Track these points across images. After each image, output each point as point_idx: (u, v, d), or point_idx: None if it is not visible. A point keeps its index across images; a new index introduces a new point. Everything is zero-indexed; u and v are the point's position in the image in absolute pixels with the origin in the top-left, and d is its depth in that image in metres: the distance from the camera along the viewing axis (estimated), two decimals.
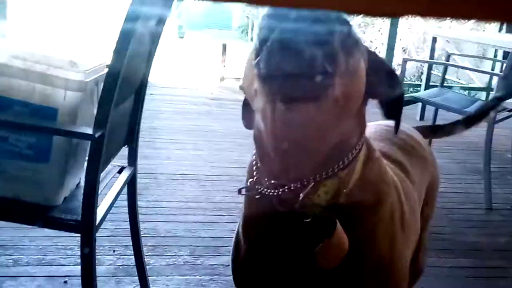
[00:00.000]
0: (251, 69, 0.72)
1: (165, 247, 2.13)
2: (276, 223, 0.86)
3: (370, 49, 0.83)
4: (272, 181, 0.83)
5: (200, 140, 3.58)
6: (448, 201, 2.82)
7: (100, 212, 1.31)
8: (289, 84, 0.67)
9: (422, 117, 4.53)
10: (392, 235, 0.91)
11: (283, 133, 0.74)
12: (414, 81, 7.64)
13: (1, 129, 1.23)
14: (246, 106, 0.90)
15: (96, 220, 1.23)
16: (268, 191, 0.83)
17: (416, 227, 1.13)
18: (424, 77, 4.47)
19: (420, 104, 4.44)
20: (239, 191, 0.89)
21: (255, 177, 0.87)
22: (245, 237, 0.95)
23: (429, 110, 4.06)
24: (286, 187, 0.81)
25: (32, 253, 1.99)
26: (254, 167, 0.88)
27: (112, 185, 1.52)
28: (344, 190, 0.82)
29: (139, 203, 2.44)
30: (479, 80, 6.00)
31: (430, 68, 4.27)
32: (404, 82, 6.65)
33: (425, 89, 4.12)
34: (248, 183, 0.88)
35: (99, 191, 1.42)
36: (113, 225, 2.21)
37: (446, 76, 8.22)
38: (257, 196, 0.86)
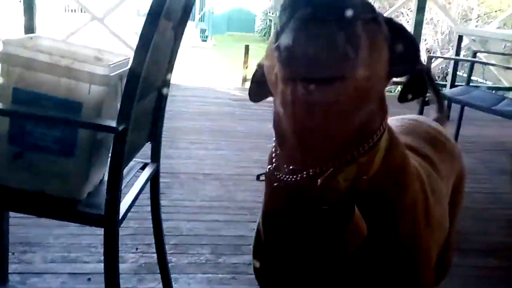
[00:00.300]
0: (272, 52, 0.71)
1: (187, 245, 2.13)
2: (295, 210, 0.85)
3: (389, 19, 0.80)
4: (291, 167, 0.82)
5: (222, 140, 3.59)
6: (474, 201, 2.77)
7: (123, 207, 1.31)
8: (310, 69, 0.66)
9: (448, 117, 4.45)
10: (415, 226, 0.89)
11: (302, 118, 0.73)
12: (440, 82, 7.54)
13: (27, 123, 1.24)
14: (256, 81, 0.91)
15: (119, 214, 1.23)
16: (287, 177, 0.82)
17: (444, 222, 1.11)
18: (449, 77, 4.40)
19: (445, 103, 4.37)
20: (258, 177, 0.89)
21: (274, 164, 0.86)
22: (265, 226, 0.94)
23: (455, 110, 3.99)
24: (304, 172, 0.80)
25: (57, 250, 2.01)
26: (274, 154, 0.87)
27: (135, 181, 1.53)
28: (364, 177, 0.80)
29: (162, 202, 2.44)
30: (506, 80, 5.88)
31: (455, 67, 4.20)
32: None
33: (450, 88, 4.06)
34: (267, 170, 0.87)
35: (122, 187, 1.43)
36: (136, 223, 2.22)
37: (473, 77, 8.08)
38: (275, 184, 0.85)
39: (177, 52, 1.50)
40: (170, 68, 1.52)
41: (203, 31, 19.31)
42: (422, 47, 10.99)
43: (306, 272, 0.89)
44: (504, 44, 6.95)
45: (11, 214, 1.91)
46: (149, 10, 1.09)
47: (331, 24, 0.63)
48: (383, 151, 0.83)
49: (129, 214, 2.26)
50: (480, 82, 7.97)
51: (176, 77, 6.72)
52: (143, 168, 1.59)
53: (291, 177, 0.82)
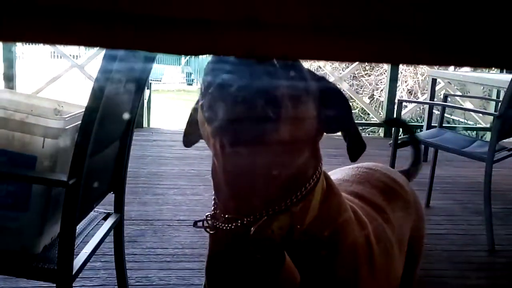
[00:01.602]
0: (200, 110, 0.74)
1: None
2: (233, 259, 0.87)
3: (323, 78, 0.83)
4: (226, 216, 0.83)
5: (200, 185, 3.57)
6: (450, 243, 2.76)
7: (80, 259, 1.30)
8: (231, 128, 0.69)
9: (425, 159, 4.50)
10: (355, 275, 0.89)
11: (232, 170, 0.77)
12: (420, 123, 7.64)
13: None
14: (190, 125, 0.92)
15: (73, 268, 1.21)
16: (222, 225, 0.84)
17: (393, 273, 1.10)
18: (425, 119, 4.47)
19: (422, 146, 4.42)
20: (195, 224, 0.89)
21: (212, 212, 0.88)
22: (207, 273, 0.95)
23: (432, 151, 4.03)
24: (238, 221, 0.81)
25: None
26: (213, 202, 0.89)
27: (97, 232, 1.51)
28: (299, 226, 0.82)
29: (133, 250, 2.43)
30: (483, 121, 5.98)
31: (431, 110, 4.27)
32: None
33: (426, 130, 4.12)
34: (204, 217, 0.88)
35: (82, 238, 1.41)
36: (105, 273, 2.18)
37: (454, 117, 8.17)
38: (211, 232, 0.87)
39: (138, 103, 1.52)
40: (132, 117, 1.53)
41: (189, 74, 19.59)
42: (403, 88, 11.21)
43: None
44: (483, 87, 7.10)
45: None
46: (101, 62, 1.11)
47: (250, 90, 0.66)
48: (318, 200, 0.84)
49: (99, 263, 2.24)
50: (462, 122, 8.09)
51: (158, 121, 6.70)
52: (105, 218, 1.58)
53: (226, 225, 0.84)
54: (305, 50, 0.31)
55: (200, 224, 0.88)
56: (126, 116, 1.45)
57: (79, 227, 1.42)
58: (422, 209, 1.39)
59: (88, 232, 1.47)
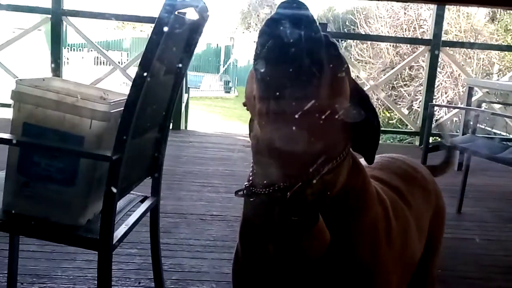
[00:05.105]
0: (251, 76, 0.84)
1: (188, 281, 2.20)
2: (268, 222, 0.95)
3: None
4: (265, 182, 0.92)
5: (233, 184, 3.68)
6: (478, 247, 2.77)
7: (120, 232, 1.42)
8: (280, 88, 0.79)
9: (460, 166, 4.47)
10: (374, 246, 0.97)
11: (275, 131, 0.85)
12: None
13: (34, 154, 1.38)
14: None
15: (113, 239, 1.33)
16: (261, 190, 0.93)
17: (410, 252, 1.17)
18: (461, 126, 4.46)
19: (457, 153, 4.40)
20: (236, 193, 0.99)
21: (250, 181, 0.97)
22: (242, 238, 1.03)
23: (465, 158, 4.01)
24: (276, 185, 0.90)
25: (64, 282, 2.10)
26: (251, 173, 0.98)
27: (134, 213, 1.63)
28: (329, 193, 0.91)
29: (168, 240, 2.56)
30: None
31: (466, 119, 4.26)
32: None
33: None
34: (244, 186, 0.97)
35: (122, 215, 1.53)
36: (141, 259, 2.31)
37: (494, 130, 8.00)
38: (251, 199, 0.96)
39: (178, 89, 1.64)
40: (171, 105, 1.65)
41: (226, 82, 19.88)
42: (443, 100, 11.07)
43: (277, 283, 0.98)
44: None
45: (23, 247, 2.02)
46: (143, 54, 1.23)
47: (299, 50, 0.76)
48: (345, 173, 0.94)
49: (135, 250, 2.37)
50: (503, 136, 7.91)
51: (195, 124, 6.84)
52: (142, 200, 1.70)
53: (264, 190, 0.93)
54: None
55: (240, 193, 0.98)
56: (166, 103, 1.57)
57: (119, 205, 1.54)
58: (443, 201, 1.44)
59: (127, 211, 1.59)
